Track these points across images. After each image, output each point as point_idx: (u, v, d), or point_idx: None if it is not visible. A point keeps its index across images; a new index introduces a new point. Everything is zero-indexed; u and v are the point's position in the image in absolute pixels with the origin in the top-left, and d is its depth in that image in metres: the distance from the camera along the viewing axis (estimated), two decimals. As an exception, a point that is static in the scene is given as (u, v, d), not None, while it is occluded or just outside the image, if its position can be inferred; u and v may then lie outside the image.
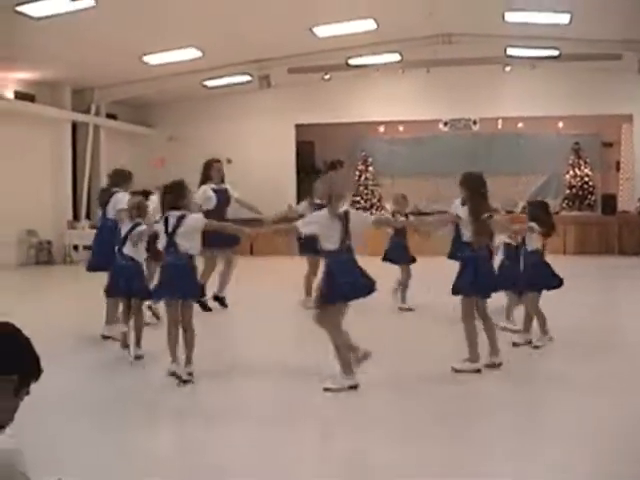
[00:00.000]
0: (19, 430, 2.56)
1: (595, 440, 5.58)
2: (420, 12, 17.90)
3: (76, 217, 22.47)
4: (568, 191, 25.21)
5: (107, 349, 8.96)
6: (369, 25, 18.70)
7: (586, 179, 25.15)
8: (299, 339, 10.18)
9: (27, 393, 2.54)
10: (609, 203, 23.46)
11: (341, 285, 6.86)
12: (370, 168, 26.94)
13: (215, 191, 11.43)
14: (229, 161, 25.23)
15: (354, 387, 6.92)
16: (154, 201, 10.09)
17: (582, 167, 25.24)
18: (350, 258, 7.01)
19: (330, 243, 6.96)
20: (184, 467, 5.27)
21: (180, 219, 7.48)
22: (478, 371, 7.58)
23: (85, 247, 20.94)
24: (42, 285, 17.97)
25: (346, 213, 7.05)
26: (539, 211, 8.98)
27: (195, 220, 7.65)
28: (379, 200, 26.29)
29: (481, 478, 4.90)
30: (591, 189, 25.13)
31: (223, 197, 11.48)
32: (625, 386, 7.13)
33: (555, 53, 20.34)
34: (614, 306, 13.13)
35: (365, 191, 26.66)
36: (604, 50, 19.43)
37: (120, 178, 10.33)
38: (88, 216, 22.44)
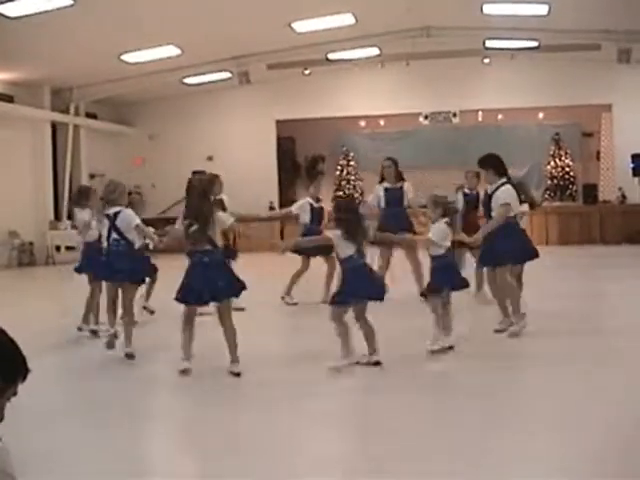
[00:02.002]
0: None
1: (580, 426, 5.59)
2: (398, 6, 17.92)
3: (57, 217, 22.37)
4: (549, 182, 25.30)
5: (92, 349, 8.90)
6: (348, 20, 18.70)
7: (567, 169, 25.26)
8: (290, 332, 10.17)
9: (14, 394, 2.51)
10: (590, 193, 23.58)
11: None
12: (351, 162, 26.96)
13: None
14: (210, 158, 25.28)
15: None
16: None
17: (563, 157, 25.35)
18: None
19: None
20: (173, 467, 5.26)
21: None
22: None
23: (68, 247, 20.90)
24: (25, 287, 17.87)
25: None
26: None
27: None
28: (361, 194, 26.28)
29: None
30: (572, 179, 25.24)
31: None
32: (608, 371, 7.16)
33: (534, 44, 20.41)
34: (596, 294, 13.15)
35: (347, 185, 26.68)
36: (583, 40, 19.54)
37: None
38: (70, 216, 22.34)
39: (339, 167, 26.99)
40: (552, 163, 25.38)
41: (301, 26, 18.85)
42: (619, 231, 21.84)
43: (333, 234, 7.45)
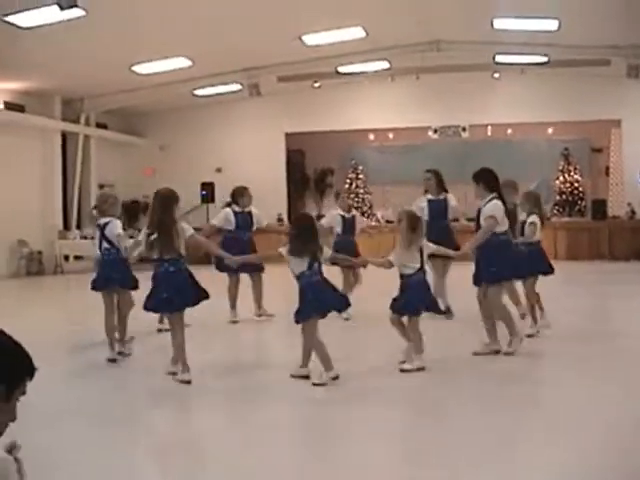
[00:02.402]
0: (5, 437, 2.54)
1: (589, 435, 5.59)
2: (409, 20, 17.96)
3: (67, 227, 22.44)
4: (558, 197, 25.29)
5: (98, 356, 8.91)
6: (358, 33, 18.73)
7: (576, 185, 25.26)
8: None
9: (23, 393, 2.52)
10: (599, 208, 23.50)
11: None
12: (360, 176, 26.99)
13: (236, 213, 11.77)
14: (219, 170, 25.35)
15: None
16: None
17: (572, 173, 25.35)
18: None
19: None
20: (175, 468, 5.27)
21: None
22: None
23: (76, 257, 20.96)
24: (33, 296, 17.92)
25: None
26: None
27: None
28: (370, 207, 26.32)
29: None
30: (581, 195, 25.23)
31: (244, 219, 11.81)
32: (620, 389, 7.16)
33: (544, 59, 20.41)
34: (605, 310, 13.13)
35: (356, 199, 26.69)
36: (592, 56, 19.55)
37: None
38: (79, 226, 22.41)
39: (348, 180, 27.01)
40: (561, 178, 25.38)
41: (311, 39, 18.88)
42: (628, 247, 21.78)
43: (283, 250, 7.51)
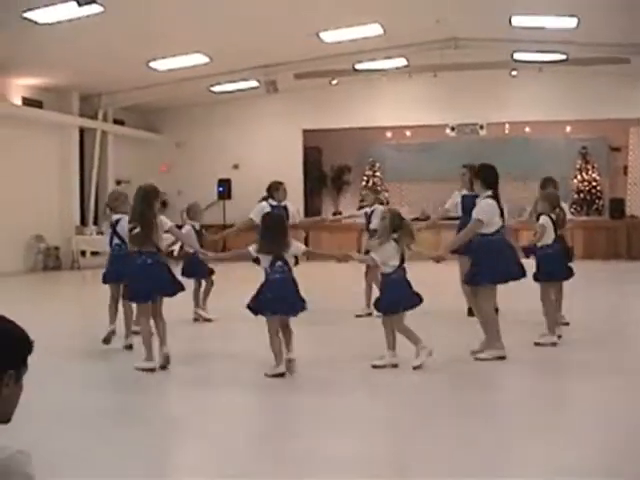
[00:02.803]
0: (22, 436, 2.55)
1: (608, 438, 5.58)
2: (427, 17, 17.92)
3: (84, 223, 22.51)
4: (576, 196, 25.16)
5: (114, 353, 8.95)
6: (376, 30, 18.70)
7: (594, 183, 25.12)
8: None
9: (25, 370, 2.54)
10: (617, 207, 23.39)
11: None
12: (377, 173, 26.92)
13: (272, 207, 11.77)
14: (236, 166, 25.39)
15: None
16: None
17: (590, 171, 25.21)
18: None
19: None
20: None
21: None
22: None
23: (93, 253, 21.02)
24: (49, 290, 18.00)
25: None
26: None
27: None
28: (387, 204, 26.24)
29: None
30: (599, 194, 25.09)
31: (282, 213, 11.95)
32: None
33: (562, 57, 20.30)
34: (623, 309, 13.07)
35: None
36: (612, 54, 19.41)
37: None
38: (96, 222, 22.48)
39: (365, 178, 26.94)
40: (579, 177, 25.24)
41: (329, 36, 18.87)
42: (646, 246, 21.70)
43: (252, 248, 7.81)
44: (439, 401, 6.90)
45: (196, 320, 11.51)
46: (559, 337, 9.04)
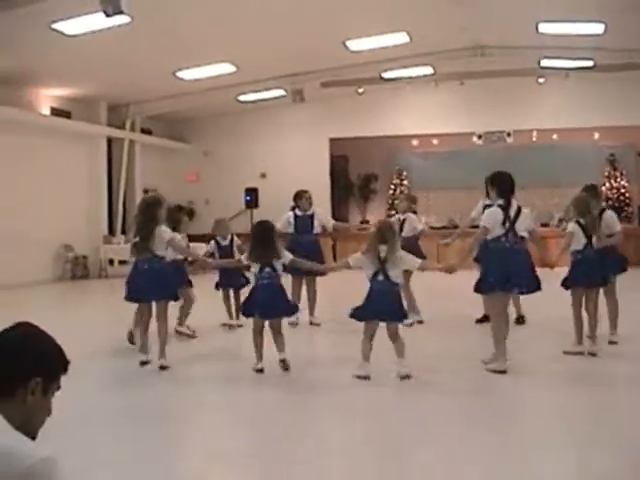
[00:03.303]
0: (47, 439, 2.56)
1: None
2: (453, 25, 17.88)
3: (112, 232, 22.65)
4: (604, 203, 24.91)
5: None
6: (402, 38, 18.68)
7: (622, 191, 24.96)
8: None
9: (58, 388, 2.57)
10: (646, 215, 23.24)
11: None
12: (405, 182, 26.89)
13: (297, 217, 12.19)
14: (263, 175, 25.45)
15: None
16: None
17: (618, 179, 25.06)
18: None
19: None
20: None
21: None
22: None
23: (120, 262, 21.14)
24: (78, 299, 18.12)
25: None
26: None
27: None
28: (414, 213, 26.16)
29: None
30: (628, 201, 24.93)
31: (304, 223, 12.17)
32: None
33: (589, 64, 20.21)
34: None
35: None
36: (639, 60, 19.29)
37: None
38: (123, 231, 22.59)
39: (392, 186, 26.93)
40: (607, 184, 25.08)
41: (355, 45, 18.87)
42: (675, 254, 21.47)
43: (243, 257, 8.61)
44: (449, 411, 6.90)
45: (230, 327, 11.63)
46: (593, 354, 8.84)
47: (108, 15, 12.64)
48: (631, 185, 25.09)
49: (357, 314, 8.02)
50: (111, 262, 21.82)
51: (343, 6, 15.89)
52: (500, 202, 8.19)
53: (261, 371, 8.17)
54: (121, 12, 12.64)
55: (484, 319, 10.73)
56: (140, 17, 14.41)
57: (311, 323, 11.88)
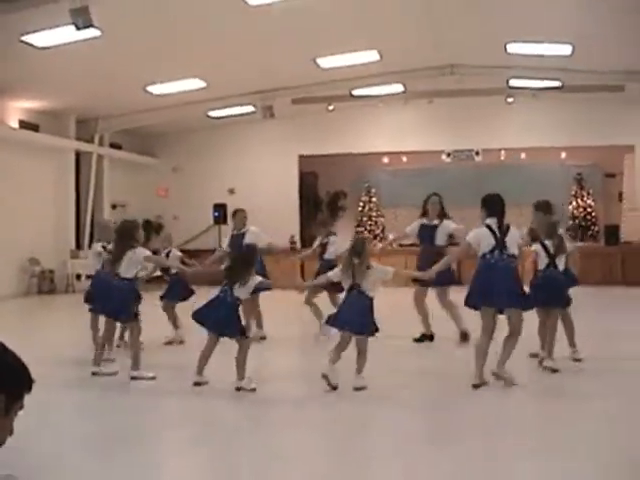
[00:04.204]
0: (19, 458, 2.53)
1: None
2: (423, 44, 18.01)
3: (79, 246, 22.48)
4: (571, 222, 25.21)
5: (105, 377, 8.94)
6: (373, 56, 18.77)
7: (589, 210, 25.20)
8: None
9: (21, 408, 2.50)
10: (612, 234, 23.38)
11: None
12: (373, 199, 26.94)
13: (231, 237, 12.26)
14: (232, 191, 25.40)
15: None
16: None
17: (585, 198, 25.29)
18: None
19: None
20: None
21: None
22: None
23: (88, 276, 20.96)
24: (44, 315, 17.94)
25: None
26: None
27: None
28: (382, 231, 26.27)
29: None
30: (594, 220, 25.17)
31: (236, 241, 11.91)
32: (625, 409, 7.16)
33: (557, 84, 20.41)
34: (616, 335, 13.05)
35: (369, 222, 26.66)
36: (606, 81, 19.53)
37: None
38: (91, 245, 22.41)
39: (361, 203, 26.98)
40: (574, 203, 25.32)
41: (326, 62, 18.93)
42: (641, 272, 21.67)
43: None
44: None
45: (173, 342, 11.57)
46: (553, 370, 8.95)
47: (78, 28, 12.61)
48: (597, 204, 25.32)
49: (330, 321, 8.37)
50: (78, 277, 21.64)
51: (314, 23, 15.93)
52: (488, 221, 8.42)
53: (198, 385, 8.34)
54: (91, 25, 12.61)
55: (423, 338, 11.31)
56: (110, 31, 14.39)
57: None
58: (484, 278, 8.27)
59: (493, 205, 8.57)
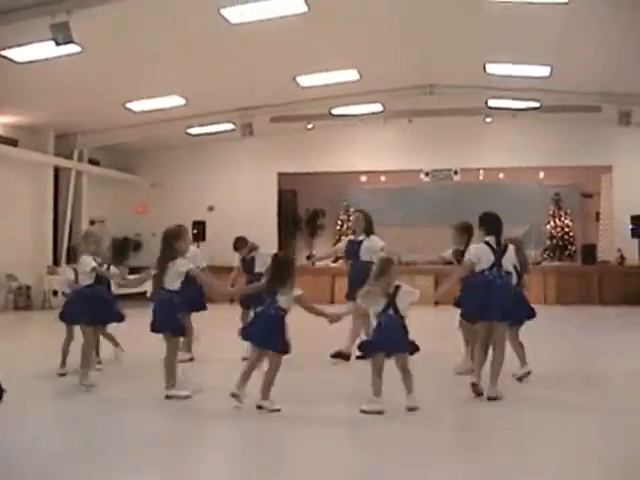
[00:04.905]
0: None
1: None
2: (403, 63, 18.12)
3: (56, 262, 22.34)
4: (549, 241, 25.35)
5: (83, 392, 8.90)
6: (352, 75, 18.86)
7: (566, 229, 25.34)
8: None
9: None
10: (589, 253, 23.55)
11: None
12: (352, 218, 26.90)
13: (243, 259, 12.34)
14: (211, 208, 25.37)
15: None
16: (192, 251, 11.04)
17: (562, 217, 25.44)
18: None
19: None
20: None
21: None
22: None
23: (64, 293, 20.86)
24: (20, 331, 17.81)
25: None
26: None
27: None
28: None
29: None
30: (571, 239, 25.31)
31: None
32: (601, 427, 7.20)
33: (536, 104, 20.55)
34: (592, 352, 13.11)
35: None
36: (584, 102, 19.72)
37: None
38: (68, 261, 22.30)
39: (339, 222, 27.01)
40: (552, 223, 25.46)
41: (306, 80, 18.99)
42: (618, 292, 21.77)
43: None
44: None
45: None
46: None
47: (58, 44, 12.60)
48: (575, 224, 25.47)
49: (364, 349, 8.24)
50: (55, 293, 21.50)
51: (294, 42, 16.00)
52: (487, 239, 8.63)
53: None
54: (72, 41, 12.60)
55: (339, 355, 11.14)
56: (91, 47, 14.38)
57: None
58: (483, 294, 8.49)
59: (491, 223, 8.77)
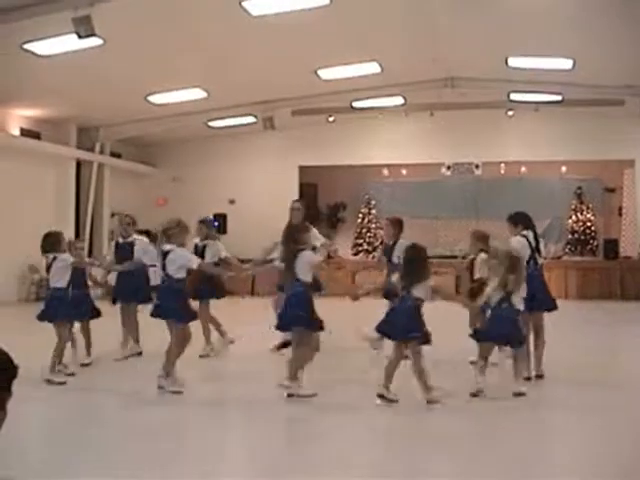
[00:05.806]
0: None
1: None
2: (424, 56, 18.05)
3: (78, 254, 22.44)
4: (570, 236, 25.19)
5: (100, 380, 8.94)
6: (373, 68, 18.81)
7: (588, 224, 25.16)
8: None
9: (10, 396, 2.51)
10: (611, 248, 23.40)
11: None
12: (373, 211, 26.90)
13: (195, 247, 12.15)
14: (232, 202, 25.41)
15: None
16: None
17: (584, 212, 25.26)
18: None
19: None
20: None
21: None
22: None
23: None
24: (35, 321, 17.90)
25: None
26: None
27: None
28: (381, 243, 26.21)
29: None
30: (593, 234, 25.12)
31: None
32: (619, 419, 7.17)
33: (558, 98, 20.43)
34: (613, 348, 13.06)
35: (368, 234, 26.60)
36: (607, 96, 19.57)
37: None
38: (90, 253, 22.43)
39: (360, 215, 26.94)
40: (574, 217, 25.28)
41: (327, 73, 18.96)
42: (639, 287, 21.67)
43: None
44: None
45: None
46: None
47: (80, 37, 12.65)
48: (597, 218, 25.29)
49: (478, 335, 8.50)
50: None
51: (316, 35, 15.98)
52: (524, 233, 9.27)
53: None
54: (93, 34, 12.65)
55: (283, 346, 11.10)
56: (113, 40, 14.42)
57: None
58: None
59: (526, 220, 9.44)
